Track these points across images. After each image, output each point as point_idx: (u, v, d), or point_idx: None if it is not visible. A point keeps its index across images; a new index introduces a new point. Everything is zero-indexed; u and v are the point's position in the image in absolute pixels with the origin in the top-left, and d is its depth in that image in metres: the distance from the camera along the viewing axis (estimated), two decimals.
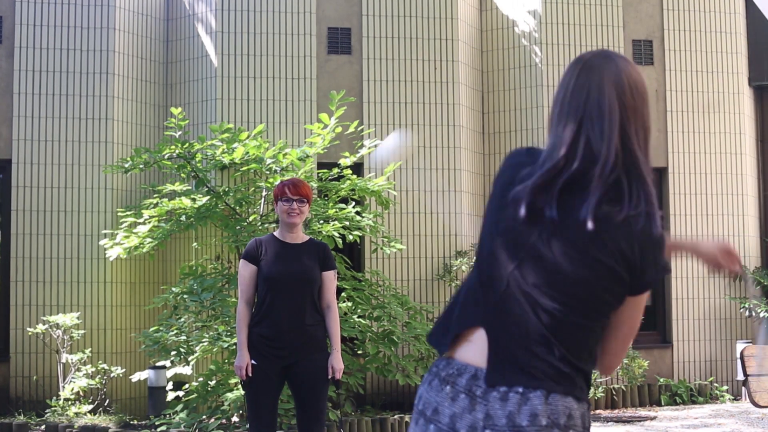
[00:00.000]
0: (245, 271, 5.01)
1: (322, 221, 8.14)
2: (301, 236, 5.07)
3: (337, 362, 4.97)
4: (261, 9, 9.68)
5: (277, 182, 5.41)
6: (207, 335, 7.82)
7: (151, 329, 8.19)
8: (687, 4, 10.77)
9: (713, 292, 10.51)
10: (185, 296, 8.06)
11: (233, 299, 8.09)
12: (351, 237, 8.19)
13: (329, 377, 4.96)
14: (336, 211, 8.13)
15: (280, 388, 5.01)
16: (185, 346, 7.94)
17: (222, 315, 7.96)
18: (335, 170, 8.75)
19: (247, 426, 5.63)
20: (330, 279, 5.02)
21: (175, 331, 7.98)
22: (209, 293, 7.91)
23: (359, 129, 9.28)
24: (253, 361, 4.90)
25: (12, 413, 8.97)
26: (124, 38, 9.66)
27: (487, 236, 2.10)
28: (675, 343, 10.40)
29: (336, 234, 7.96)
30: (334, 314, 5.03)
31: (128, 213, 8.80)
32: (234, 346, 7.65)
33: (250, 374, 4.88)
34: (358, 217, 8.30)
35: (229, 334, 7.76)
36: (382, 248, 8.73)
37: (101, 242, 8.99)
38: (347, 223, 8.16)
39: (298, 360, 4.92)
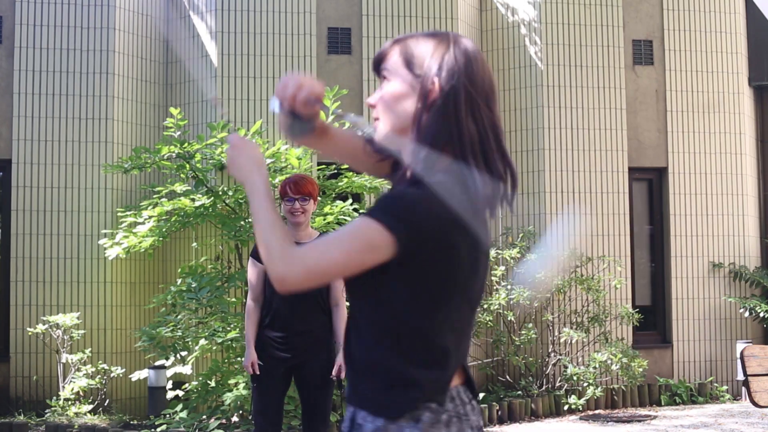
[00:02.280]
0: (252, 270, 5.02)
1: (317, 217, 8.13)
2: (308, 233, 5.04)
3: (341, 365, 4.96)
4: (261, 9, 9.68)
5: (281, 180, 5.39)
6: (204, 332, 7.82)
7: (149, 326, 8.20)
8: (687, 4, 10.77)
9: (713, 292, 10.51)
10: (183, 294, 8.06)
11: (231, 298, 8.09)
12: None
13: (334, 376, 4.94)
14: (331, 207, 8.11)
15: (286, 389, 5.02)
16: (180, 343, 7.94)
17: (218, 312, 7.97)
18: (332, 167, 8.76)
19: (249, 425, 5.61)
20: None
21: (172, 328, 7.98)
22: (206, 290, 7.92)
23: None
24: (259, 362, 4.91)
25: (12, 413, 8.97)
26: (124, 38, 9.66)
27: None
28: (675, 343, 10.40)
29: (331, 230, 7.95)
30: (342, 312, 5.02)
31: (128, 213, 8.80)
32: (229, 342, 7.65)
33: (257, 372, 4.88)
34: (355, 214, 8.30)
35: (224, 330, 7.77)
36: None
37: (100, 242, 8.99)
38: (342, 218, 8.15)
39: (305, 361, 4.92)
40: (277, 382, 4.93)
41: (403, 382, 1.91)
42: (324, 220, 7.97)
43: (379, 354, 1.93)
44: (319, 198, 7.17)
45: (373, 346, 1.94)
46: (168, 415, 8.13)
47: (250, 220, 8.42)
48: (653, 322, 10.58)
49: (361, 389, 1.95)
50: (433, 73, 1.97)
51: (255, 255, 5.02)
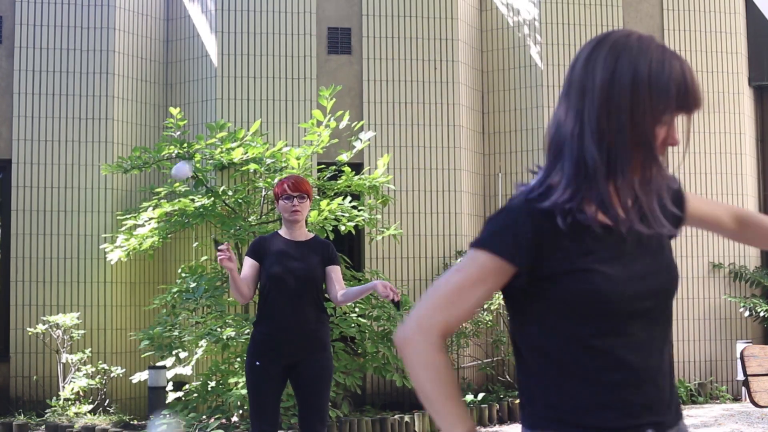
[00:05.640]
0: (245, 264, 5.03)
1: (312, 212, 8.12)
2: (305, 233, 5.07)
3: (383, 283, 4.81)
4: (261, 9, 9.68)
5: (276, 180, 5.38)
6: (201, 332, 7.81)
7: (148, 327, 8.21)
8: (687, 4, 10.77)
9: (713, 292, 10.51)
10: (183, 294, 8.07)
11: (230, 298, 8.09)
12: (344, 228, 8.16)
13: (393, 300, 4.77)
14: (328, 204, 8.10)
15: (282, 388, 5.01)
16: (177, 342, 7.94)
17: (215, 311, 7.98)
18: (333, 168, 8.75)
19: (249, 425, 5.59)
20: (338, 271, 5.03)
21: (169, 328, 7.99)
22: (203, 289, 7.92)
23: (354, 126, 9.25)
24: (256, 361, 4.91)
25: (12, 413, 8.97)
26: (124, 38, 9.66)
27: None
28: (675, 343, 10.40)
29: (328, 226, 7.94)
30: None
31: (128, 216, 8.80)
32: (225, 340, 7.63)
33: (229, 253, 4.73)
34: (354, 211, 8.29)
35: (222, 327, 7.77)
36: (375, 238, 8.77)
37: (102, 246, 8.99)
38: (339, 213, 8.14)
39: (302, 359, 4.92)
40: (274, 382, 4.92)
41: None
42: (319, 215, 7.96)
43: None
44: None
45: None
46: (168, 415, 8.13)
47: (249, 219, 8.42)
48: None
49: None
50: None
51: (249, 252, 5.04)
